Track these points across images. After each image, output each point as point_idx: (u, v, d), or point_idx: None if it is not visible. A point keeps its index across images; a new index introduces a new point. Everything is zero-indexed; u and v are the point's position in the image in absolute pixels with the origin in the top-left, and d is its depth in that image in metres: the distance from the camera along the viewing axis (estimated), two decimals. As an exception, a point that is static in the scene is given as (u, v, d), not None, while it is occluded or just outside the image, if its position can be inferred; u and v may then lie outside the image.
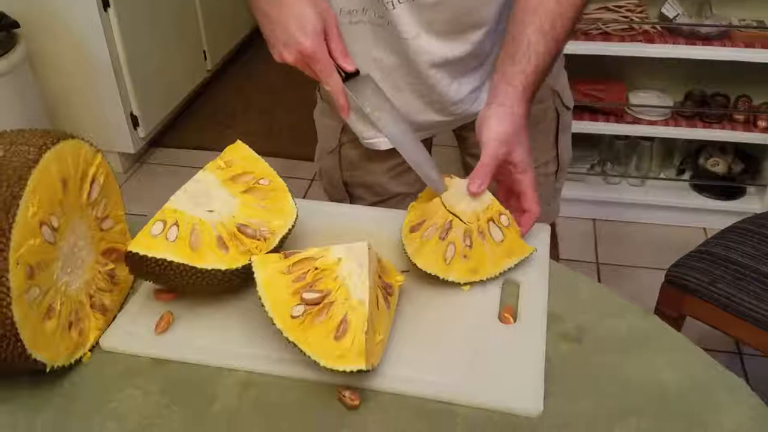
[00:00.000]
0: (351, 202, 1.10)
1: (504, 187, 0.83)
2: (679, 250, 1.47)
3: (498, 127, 0.78)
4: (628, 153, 2.18)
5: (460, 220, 0.78)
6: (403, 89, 0.94)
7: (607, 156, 2.21)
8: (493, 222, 0.79)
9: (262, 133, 2.61)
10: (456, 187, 0.80)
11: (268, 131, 2.63)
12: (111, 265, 0.78)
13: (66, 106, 2.23)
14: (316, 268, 0.70)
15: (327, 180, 1.11)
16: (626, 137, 2.14)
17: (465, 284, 0.78)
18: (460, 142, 1.11)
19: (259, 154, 0.84)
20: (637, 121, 2.05)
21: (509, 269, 0.79)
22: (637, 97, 2.09)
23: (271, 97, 2.91)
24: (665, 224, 2.17)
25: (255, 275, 0.70)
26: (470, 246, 0.78)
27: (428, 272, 0.77)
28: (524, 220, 0.81)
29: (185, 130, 2.69)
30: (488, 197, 0.79)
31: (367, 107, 0.80)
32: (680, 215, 2.17)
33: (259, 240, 0.76)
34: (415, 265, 0.77)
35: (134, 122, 2.30)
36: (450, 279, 0.77)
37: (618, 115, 2.06)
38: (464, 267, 0.78)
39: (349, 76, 0.81)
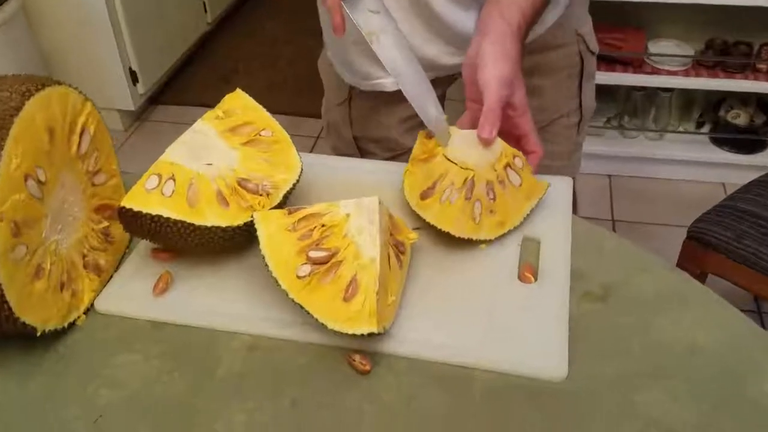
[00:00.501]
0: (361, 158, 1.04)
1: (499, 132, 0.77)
2: (697, 206, 1.41)
3: (495, 69, 0.71)
4: (646, 105, 2.10)
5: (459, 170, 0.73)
6: (407, 12, 0.85)
7: (625, 109, 2.13)
8: (510, 167, 0.74)
9: (264, 88, 2.53)
10: (461, 139, 0.74)
11: (271, 86, 2.55)
12: (105, 223, 0.74)
13: (63, 61, 2.16)
14: (323, 225, 0.65)
15: (335, 135, 1.05)
16: (644, 88, 2.05)
17: (483, 243, 0.73)
18: None
19: (261, 111, 0.78)
20: (656, 71, 1.97)
21: (531, 211, 0.75)
22: (656, 46, 2.00)
23: (273, 50, 2.83)
24: (683, 179, 2.11)
25: (257, 233, 0.65)
26: (494, 199, 0.73)
27: (461, 237, 0.71)
28: (532, 160, 0.76)
29: (186, 86, 2.61)
30: (499, 143, 0.74)
31: (364, 27, 0.73)
32: (699, 170, 2.11)
33: (261, 195, 0.71)
34: (426, 223, 0.72)
35: (133, 78, 2.23)
36: (481, 238, 0.72)
37: (636, 65, 1.97)
38: (492, 222, 0.73)
39: None
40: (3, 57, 1.88)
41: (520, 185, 0.74)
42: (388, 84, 0.93)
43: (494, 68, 0.71)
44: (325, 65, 1.03)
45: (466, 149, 0.73)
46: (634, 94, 2.09)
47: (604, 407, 0.60)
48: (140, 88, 2.28)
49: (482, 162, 0.73)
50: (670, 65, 1.97)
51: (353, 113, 1.00)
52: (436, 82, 0.95)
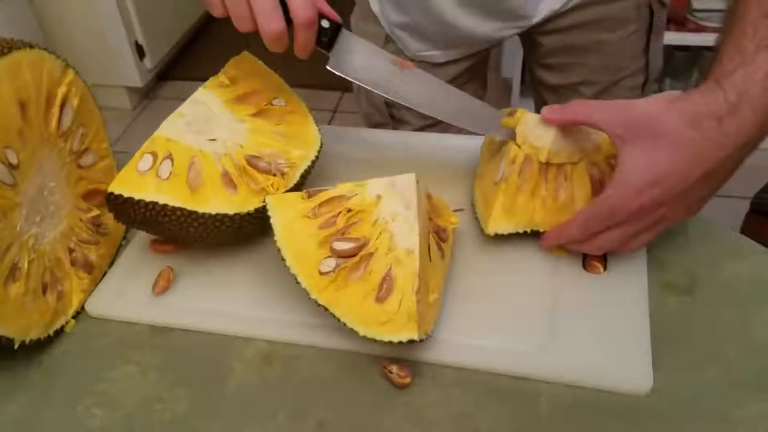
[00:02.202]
0: (394, 127, 0.93)
1: None
2: (752, 175, 1.27)
3: (646, 100, 0.52)
4: (688, 66, 1.95)
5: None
6: None
7: (666, 71, 1.99)
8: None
9: (278, 60, 2.41)
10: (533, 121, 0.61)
11: (285, 58, 2.43)
12: (95, 211, 0.63)
13: (65, 36, 2.05)
14: (349, 210, 0.54)
15: (366, 100, 0.94)
16: (687, 48, 1.90)
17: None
18: (528, 48, 0.93)
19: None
20: (700, 28, 1.82)
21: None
22: (700, 1, 1.84)
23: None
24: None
25: (271, 220, 0.55)
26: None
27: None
28: (553, 230, 0.58)
29: (196, 60, 2.50)
30: (547, 135, 0.57)
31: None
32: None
33: (275, 175, 0.60)
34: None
35: (140, 52, 2.12)
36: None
37: (678, 22, 1.82)
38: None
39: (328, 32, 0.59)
40: (1, 31, 1.79)
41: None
42: (437, 56, 0.82)
43: (632, 106, 0.52)
44: (358, 19, 0.90)
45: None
46: (676, 55, 1.94)
47: (699, 426, 0.49)
48: (147, 63, 2.17)
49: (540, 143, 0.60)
50: (715, 22, 1.82)
51: None
52: (470, 58, 0.85)
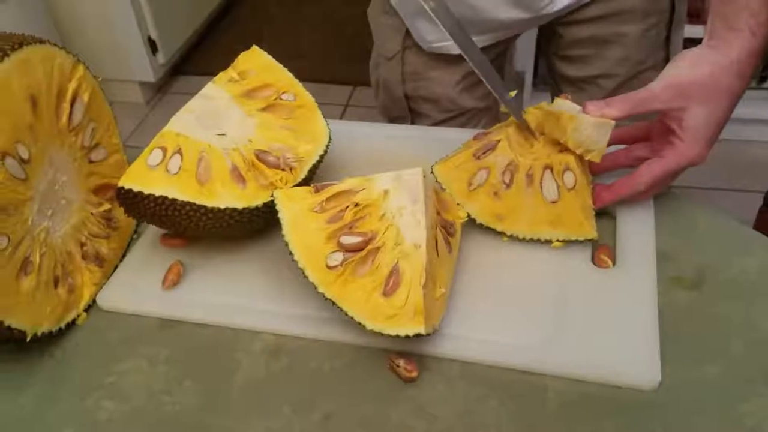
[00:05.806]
0: (413, 121, 0.94)
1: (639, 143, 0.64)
2: (763, 170, 1.26)
3: (684, 69, 0.58)
4: (703, 59, 1.92)
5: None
6: None
7: (679, 64, 1.96)
8: (551, 172, 0.59)
9: (292, 55, 2.41)
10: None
11: (298, 51, 2.43)
12: (106, 206, 0.64)
13: (78, 31, 2.07)
14: (357, 205, 0.55)
15: (385, 93, 0.94)
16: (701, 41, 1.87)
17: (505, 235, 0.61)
18: (547, 40, 0.92)
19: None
20: (715, 21, 1.79)
21: (546, 240, 0.60)
22: (715, -7, 1.82)
23: (298, 13, 2.71)
24: (746, 140, 1.93)
25: (279, 215, 0.55)
26: (508, 185, 0.60)
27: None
28: (614, 187, 0.61)
29: (209, 55, 2.51)
30: (605, 137, 0.57)
31: None
32: (762, 129, 1.93)
33: (283, 170, 0.60)
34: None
35: (152, 47, 2.12)
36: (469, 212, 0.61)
37: (696, 15, 1.79)
38: (489, 206, 0.61)
39: None
40: (15, 26, 1.80)
41: (554, 203, 0.60)
42: (453, 47, 0.83)
43: (685, 67, 0.59)
44: (377, 12, 0.91)
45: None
46: (691, 47, 1.91)
47: (706, 420, 0.49)
48: (160, 57, 2.17)
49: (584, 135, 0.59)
50: (730, 14, 1.79)
51: (406, 69, 0.89)
52: (488, 51, 0.84)
